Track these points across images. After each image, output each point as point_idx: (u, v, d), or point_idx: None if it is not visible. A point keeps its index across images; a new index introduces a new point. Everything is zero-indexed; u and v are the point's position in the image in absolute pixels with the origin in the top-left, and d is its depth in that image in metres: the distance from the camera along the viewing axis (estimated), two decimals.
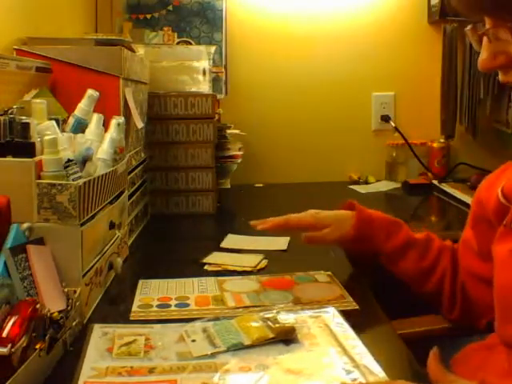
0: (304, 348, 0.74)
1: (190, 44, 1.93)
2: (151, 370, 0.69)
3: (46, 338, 0.68)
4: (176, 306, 0.91)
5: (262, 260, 1.12)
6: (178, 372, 0.69)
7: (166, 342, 0.77)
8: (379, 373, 0.67)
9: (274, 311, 0.82)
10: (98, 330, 0.80)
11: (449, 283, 1.00)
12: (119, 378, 0.68)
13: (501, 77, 0.76)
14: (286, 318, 0.81)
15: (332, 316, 0.83)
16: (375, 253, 1.05)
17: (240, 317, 0.82)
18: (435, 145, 2.04)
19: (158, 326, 0.82)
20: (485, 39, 0.74)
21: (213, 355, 0.72)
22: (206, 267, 1.10)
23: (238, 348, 0.73)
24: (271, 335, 0.75)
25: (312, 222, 1.05)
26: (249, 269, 1.08)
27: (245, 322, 0.80)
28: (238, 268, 1.08)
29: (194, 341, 0.76)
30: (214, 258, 1.14)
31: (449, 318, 1.02)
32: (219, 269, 1.09)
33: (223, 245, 1.25)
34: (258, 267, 1.09)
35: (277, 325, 0.77)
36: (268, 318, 0.79)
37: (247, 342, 0.74)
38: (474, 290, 0.96)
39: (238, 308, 0.89)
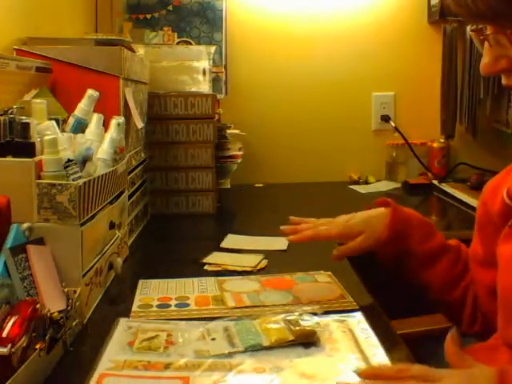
0: (324, 352, 0.74)
1: (190, 44, 1.93)
2: (167, 366, 0.70)
3: (46, 338, 0.68)
4: (176, 305, 0.91)
5: (261, 260, 1.12)
6: (193, 369, 0.69)
7: (187, 338, 0.77)
8: None
9: (297, 313, 0.82)
10: (123, 323, 0.82)
11: (473, 293, 0.97)
12: (135, 372, 0.69)
13: (503, 80, 0.76)
14: (309, 321, 0.80)
15: (357, 321, 0.83)
16: (407, 254, 0.98)
17: (263, 318, 0.82)
18: (435, 145, 2.03)
19: (183, 322, 0.83)
20: (486, 44, 0.74)
21: (230, 354, 0.72)
22: (206, 267, 1.10)
23: (255, 349, 0.73)
24: (291, 337, 0.75)
25: (343, 233, 0.98)
26: (249, 269, 1.08)
27: (266, 323, 0.79)
28: (238, 268, 1.08)
29: (213, 339, 0.76)
30: (214, 258, 1.14)
31: (470, 331, 0.98)
32: (219, 269, 1.09)
33: (223, 245, 1.25)
34: (258, 267, 1.09)
35: (297, 327, 0.77)
36: (290, 321, 0.79)
37: (265, 344, 0.74)
38: (488, 302, 0.92)
39: (238, 308, 0.90)
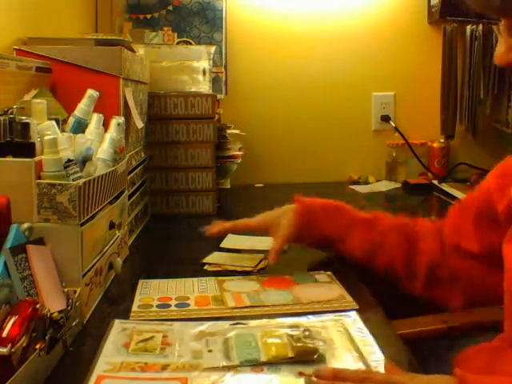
0: (320, 351, 0.73)
1: (190, 44, 1.93)
2: (164, 367, 0.70)
3: (46, 338, 0.68)
4: (176, 305, 0.91)
5: (261, 260, 1.12)
6: (191, 370, 0.69)
7: (183, 339, 0.77)
8: None
9: (302, 329, 0.79)
10: (118, 325, 0.81)
11: (402, 260, 1.02)
12: (132, 373, 0.69)
13: None
14: (314, 338, 0.77)
15: (353, 321, 0.83)
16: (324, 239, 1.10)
17: (267, 331, 0.79)
18: (435, 145, 2.03)
19: (178, 323, 0.82)
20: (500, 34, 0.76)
21: (224, 368, 0.70)
22: (206, 267, 1.10)
23: (251, 364, 0.71)
24: (290, 354, 0.72)
25: (261, 224, 1.14)
26: (249, 269, 1.08)
27: (268, 337, 0.77)
28: (238, 268, 1.08)
29: (210, 351, 0.74)
30: (214, 258, 1.14)
31: (411, 290, 1.03)
32: (219, 269, 1.09)
33: (223, 245, 1.25)
34: (258, 267, 1.09)
35: (299, 344, 0.74)
36: (292, 336, 0.76)
37: (263, 359, 0.71)
38: (459, 264, 0.96)
39: (238, 308, 0.90)
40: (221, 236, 1.25)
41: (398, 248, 1.03)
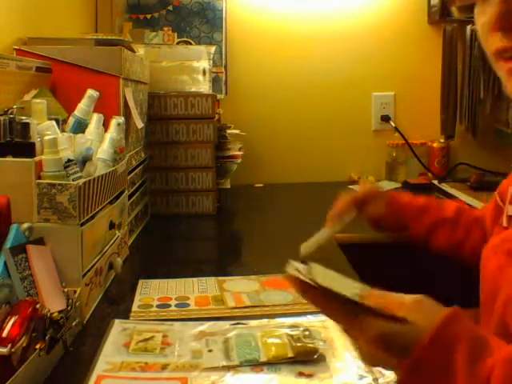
0: (320, 351, 0.73)
1: (190, 44, 1.93)
2: (164, 367, 0.70)
3: (46, 338, 0.68)
4: (176, 305, 0.91)
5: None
6: (191, 370, 0.69)
7: (183, 339, 0.77)
8: (393, 378, 0.66)
9: (301, 329, 0.79)
10: (118, 325, 0.82)
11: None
12: (132, 373, 0.69)
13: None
14: (314, 337, 0.77)
15: None
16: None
17: (266, 331, 0.79)
18: (435, 145, 2.03)
19: (178, 323, 0.82)
20: None
21: (224, 368, 0.70)
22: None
23: (251, 364, 0.71)
24: (290, 354, 0.72)
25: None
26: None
27: (267, 337, 0.77)
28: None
29: (210, 351, 0.74)
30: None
31: None
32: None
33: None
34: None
35: (299, 344, 0.74)
36: (292, 336, 0.76)
37: (263, 359, 0.72)
38: None
39: (238, 308, 0.90)
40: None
41: (482, 241, 1.03)
